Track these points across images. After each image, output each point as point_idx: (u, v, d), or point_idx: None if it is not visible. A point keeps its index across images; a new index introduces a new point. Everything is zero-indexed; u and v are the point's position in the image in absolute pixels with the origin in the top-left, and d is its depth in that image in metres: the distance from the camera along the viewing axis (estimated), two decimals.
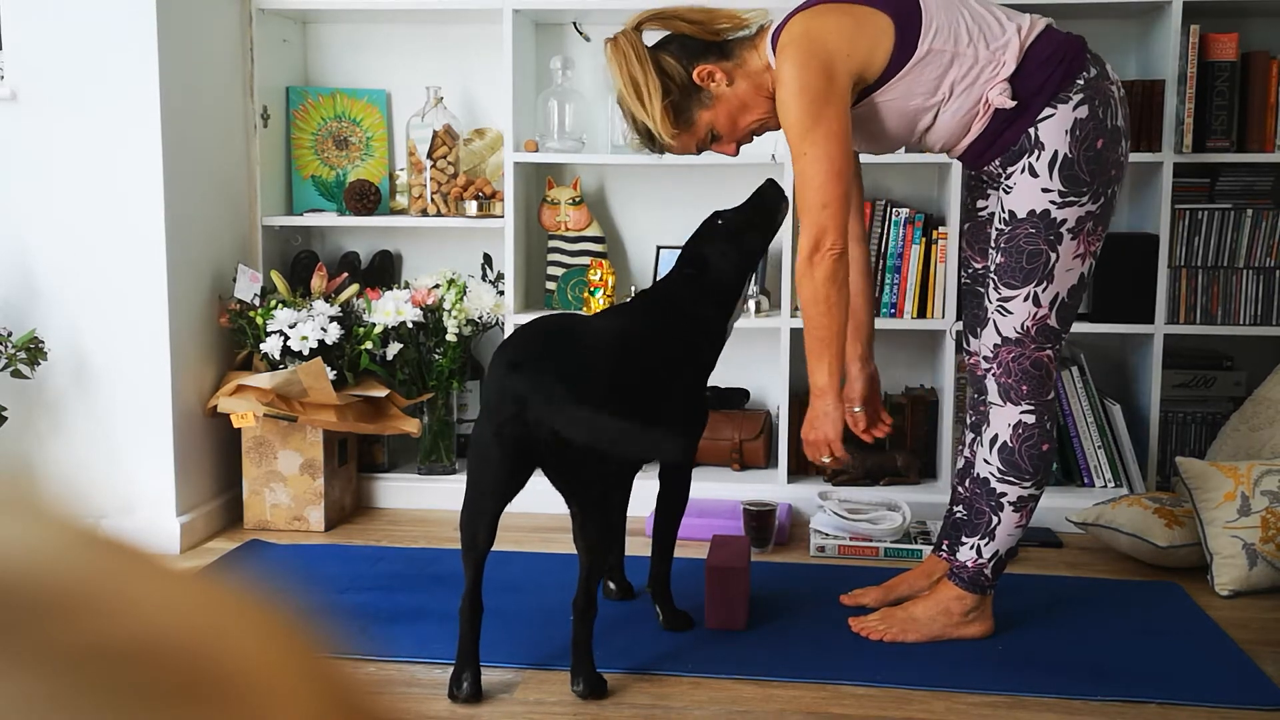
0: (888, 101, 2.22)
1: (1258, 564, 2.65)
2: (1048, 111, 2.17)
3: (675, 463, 2.48)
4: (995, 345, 2.28)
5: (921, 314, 3.25)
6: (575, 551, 2.17)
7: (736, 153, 2.42)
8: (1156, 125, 3.13)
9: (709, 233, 2.48)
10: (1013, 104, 2.16)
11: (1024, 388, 2.27)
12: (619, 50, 2.29)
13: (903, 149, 2.44)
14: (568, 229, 3.42)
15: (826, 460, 2.36)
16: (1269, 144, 3.12)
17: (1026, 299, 2.23)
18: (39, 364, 2.88)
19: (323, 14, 3.45)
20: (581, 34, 3.49)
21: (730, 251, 2.45)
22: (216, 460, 3.20)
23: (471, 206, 3.34)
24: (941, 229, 3.21)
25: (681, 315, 2.40)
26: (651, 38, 2.34)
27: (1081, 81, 2.17)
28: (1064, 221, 2.18)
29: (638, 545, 2.64)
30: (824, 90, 2.14)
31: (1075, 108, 2.16)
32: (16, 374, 2.86)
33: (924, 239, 3.22)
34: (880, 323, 3.25)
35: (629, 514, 2.60)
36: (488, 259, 3.45)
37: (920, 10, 2.19)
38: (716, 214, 2.51)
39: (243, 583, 0.32)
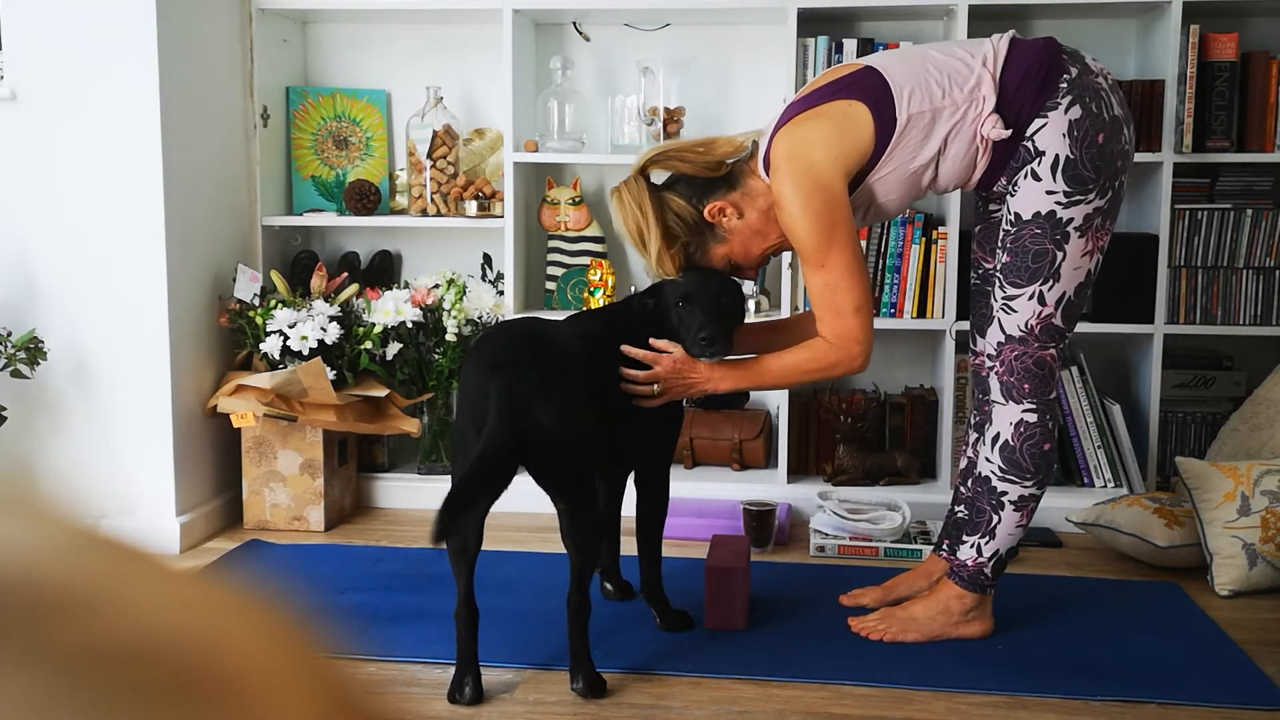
0: (885, 176, 2.25)
1: (1257, 564, 2.65)
2: (1039, 122, 2.19)
3: (649, 465, 2.47)
4: (999, 343, 2.29)
5: (921, 314, 3.25)
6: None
7: (756, 276, 2.49)
8: (1156, 125, 3.13)
9: (675, 281, 2.42)
10: (1008, 133, 2.19)
11: (1026, 386, 2.28)
12: (622, 204, 2.35)
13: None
14: (567, 229, 3.42)
15: (650, 390, 2.32)
16: (1269, 144, 3.12)
17: (1031, 298, 2.23)
18: (39, 364, 2.88)
19: (323, 14, 3.45)
20: (581, 34, 3.49)
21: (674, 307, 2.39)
22: (216, 460, 3.20)
23: (471, 206, 3.34)
24: (941, 229, 3.21)
25: (639, 333, 2.40)
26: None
27: (1065, 85, 2.19)
28: (1070, 220, 2.19)
29: (634, 545, 2.65)
30: (825, 205, 2.18)
31: (1067, 110, 2.17)
32: (16, 374, 2.86)
33: (924, 239, 3.22)
34: (880, 322, 3.25)
35: (624, 514, 2.61)
36: (487, 259, 3.45)
37: (887, 83, 2.22)
38: (688, 272, 2.42)
39: (243, 583, 0.32)
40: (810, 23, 3.24)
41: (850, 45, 3.20)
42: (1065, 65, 2.20)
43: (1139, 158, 3.12)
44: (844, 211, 2.20)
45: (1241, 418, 3.06)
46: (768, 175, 2.29)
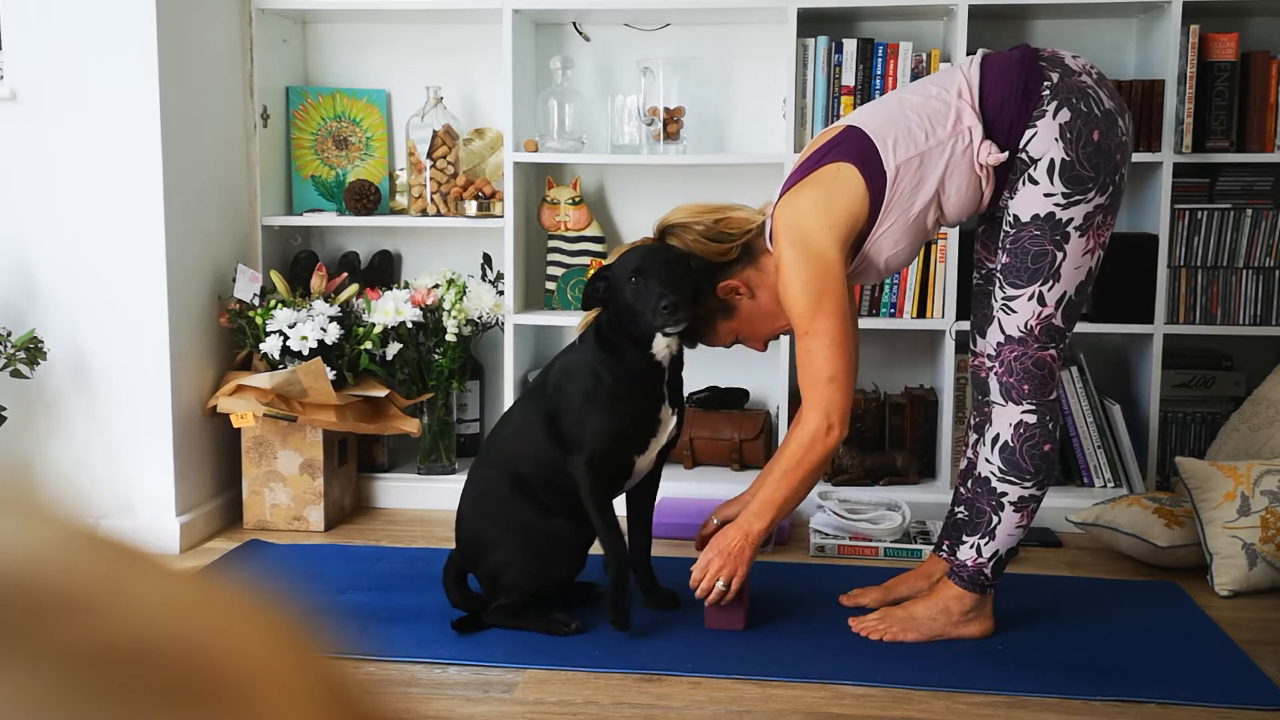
0: (888, 229, 2.28)
1: (1257, 564, 2.65)
2: (1029, 133, 2.20)
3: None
4: (999, 344, 2.29)
5: (921, 314, 3.25)
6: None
7: (764, 348, 2.54)
8: (1156, 125, 3.12)
9: (622, 258, 2.40)
10: (1005, 155, 2.21)
11: (1025, 387, 2.28)
12: None
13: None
14: (567, 229, 3.42)
15: (718, 586, 2.33)
16: (1269, 144, 3.12)
17: (1031, 298, 2.24)
18: (39, 364, 2.88)
19: (323, 14, 3.45)
20: (581, 34, 3.49)
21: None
22: (216, 460, 3.20)
23: (471, 206, 3.34)
24: (941, 229, 3.20)
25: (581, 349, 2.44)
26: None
27: (1047, 92, 2.20)
28: (1070, 221, 2.19)
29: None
30: (817, 274, 2.22)
31: (1055, 115, 2.18)
32: (16, 374, 2.86)
33: None
34: (880, 322, 3.27)
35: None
36: (487, 259, 3.45)
37: (869, 138, 2.24)
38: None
39: (242, 583, 0.32)
40: (810, 23, 3.24)
41: (850, 45, 3.20)
42: (1044, 72, 2.21)
43: (1139, 158, 3.12)
44: (836, 282, 2.23)
45: (1241, 418, 3.06)
46: (772, 247, 2.34)
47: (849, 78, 3.20)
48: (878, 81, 3.18)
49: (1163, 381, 3.19)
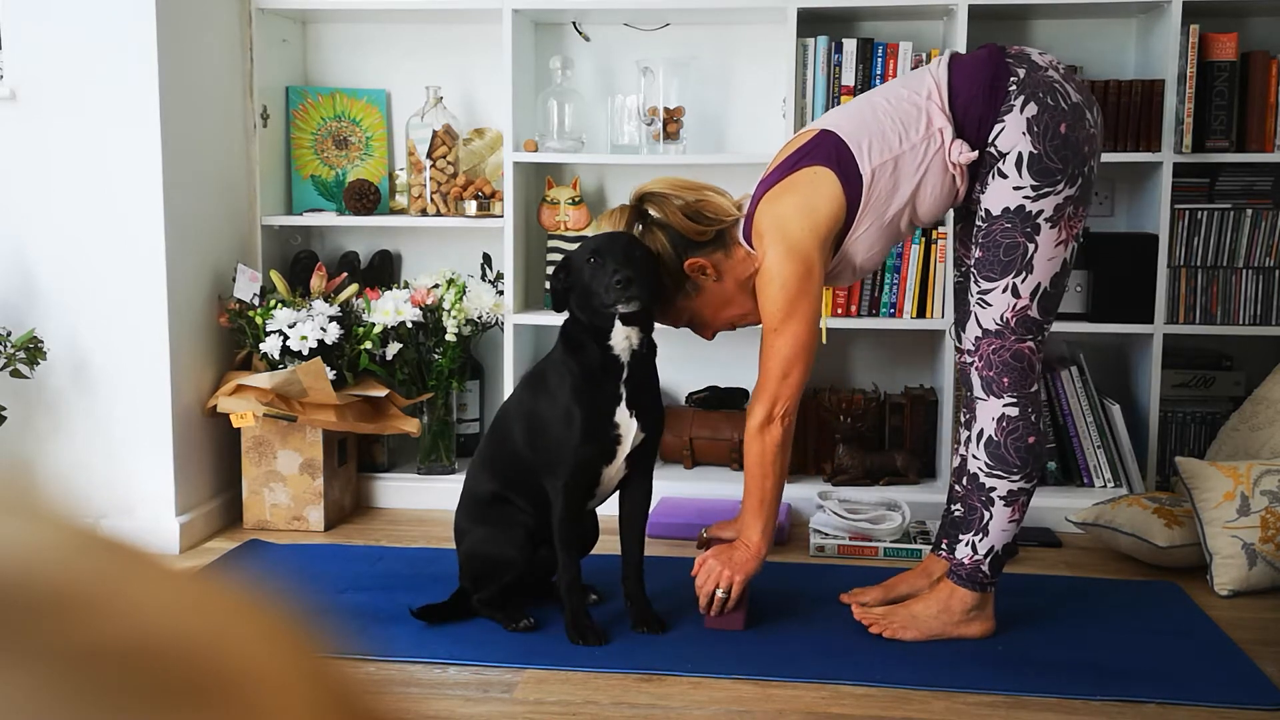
0: (864, 233, 2.30)
1: (1257, 564, 2.65)
2: (997, 128, 2.22)
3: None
4: (976, 338, 2.31)
5: (921, 314, 3.25)
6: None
7: (712, 338, 2.55)
8: (1156, 125, 3.13)
9: (580, 246, 2.41)
10: (975, 154, 2.23)
11: (1005, 380, 2.29)
12: (599, 230, 2.44)
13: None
14: (567, 229, 3.42)
15: (719, 593, 2.37)
16: (1268, 144, 3.12)
17: (1005, 290, 2.25)
18: (38, 364, 2.88)
19: (322, 14, 3.45)
20: (581, 34, 3.49)
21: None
22: (216, 460, 3.20)
23: (471, 206, 3.34)
24: (940, 229, 3.21)
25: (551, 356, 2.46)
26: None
27: (1014, 87, 2.22)
28: (1040, 212, 2.21)
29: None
30: (798, 277, 2.25)
31: (1022, 110, 2.21)
32: (16, 374, 2.86)
33: (923, 239, 3.22)
34: (880, 322, 3.27)
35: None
36: (487, 259, 3.45)
37: (843, 142, 2.27)
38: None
39: (242, 583, 0.32)
40: (810, 23, 3.24)
41: (850, 45, 3.20)
42: (1010, 68, 2.24)
43: (1138, 157, 3.13)
44: (815, 286, 2.26)
45: (1241, 418, 3.06)
46: (749, 245, 2.36)
47: (849, 78, 3.20)
48: (877, 81, 3.18)
49: (1162, 381, 3.19)
